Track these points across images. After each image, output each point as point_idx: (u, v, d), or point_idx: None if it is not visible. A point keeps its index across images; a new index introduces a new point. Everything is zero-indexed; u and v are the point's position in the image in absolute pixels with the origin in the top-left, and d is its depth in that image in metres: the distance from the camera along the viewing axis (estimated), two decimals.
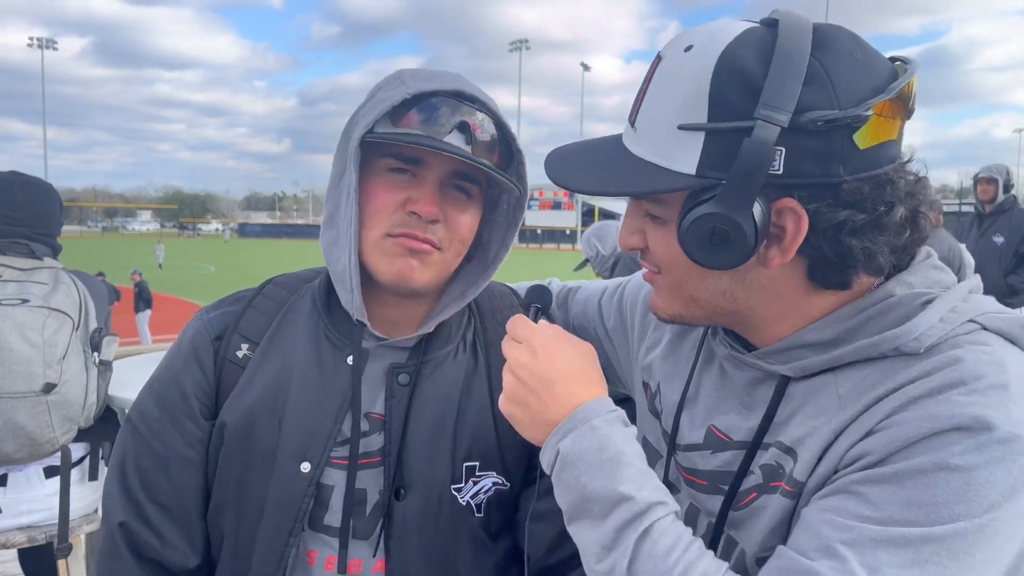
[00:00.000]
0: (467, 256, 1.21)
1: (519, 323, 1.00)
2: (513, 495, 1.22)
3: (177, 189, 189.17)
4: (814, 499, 0.83)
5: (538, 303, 1.11)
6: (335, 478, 1.15)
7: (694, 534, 0.95)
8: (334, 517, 1.15)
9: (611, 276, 4.09)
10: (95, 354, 2.52)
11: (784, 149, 0.77)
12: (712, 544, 0.93)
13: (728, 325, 0.97)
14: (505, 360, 0.97)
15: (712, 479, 0.96)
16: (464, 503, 1.17)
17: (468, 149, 1.08)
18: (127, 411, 1.24)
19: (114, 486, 1.18)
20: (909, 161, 0.85)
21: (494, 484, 1.19)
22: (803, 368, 0.88)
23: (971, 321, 0.84)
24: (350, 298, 1.15)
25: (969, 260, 5.43)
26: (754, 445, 0.91)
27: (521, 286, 1.47)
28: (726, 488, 0.93)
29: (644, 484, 0.86)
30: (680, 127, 0.82)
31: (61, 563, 2.50)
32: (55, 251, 2.65)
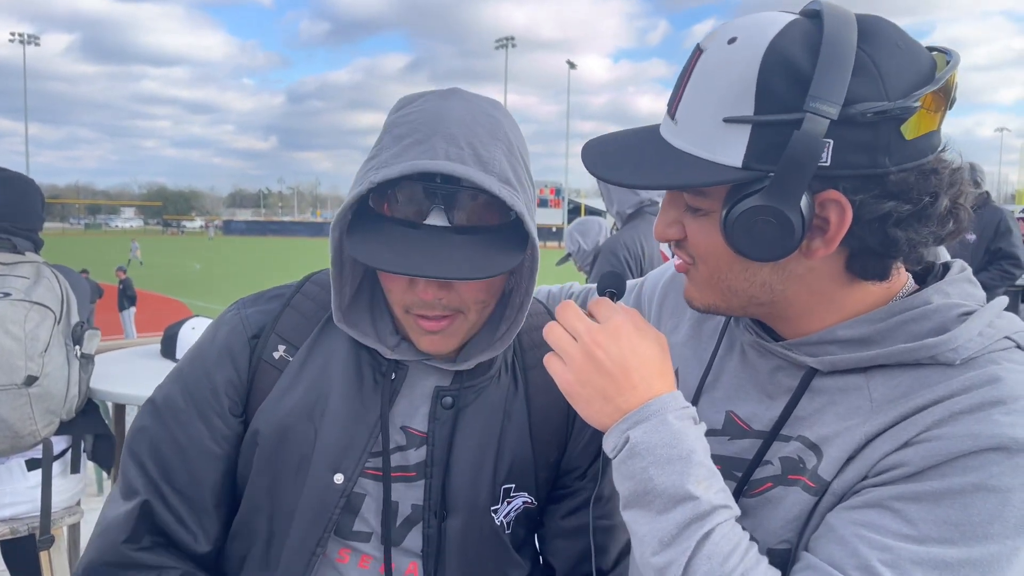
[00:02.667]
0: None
1: (602, 304, 0.97)
2: (538, 511, 1.26)
3: (161, 186, 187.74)
4: (844, 507, 0.83)
5: (612, 288, 1.05)
6: (367, 487, 1.16)
7: None
8: (363, 524, 1.16)
9: (591, 271, 4.13)
10: (77, 348, 2.54)
11: (832, 141, 0.78)
12: None
13: (760, 316, 0.97)
14: (579, 336, 0.93)
15: (727, 465, 0.96)
16: (499, 523, 1.20)
17: (448, 224, 1.03)
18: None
19: (132, 465, 1.16)
20: (944, 150, 0.85)
21: (524, 503, 1.22)
22: (833, 363, 0.89)
23: (1007, 338, 0.85)
24: (370, 342, 1.16)
25: (945, 255, 5.51)
26: (772, 434, 0.92)
27: (540, 291, 1.49)
28: (739, 475, 0.94)
29: (711, 485, 0.85)
30: (726, 119, 0.81)
31: (43, 555, 2.51)
32: (37, 246, 2.67)
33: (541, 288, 1.52)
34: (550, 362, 0.94)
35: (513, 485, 1.20)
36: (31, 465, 2.49)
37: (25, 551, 2.68)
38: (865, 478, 0.83)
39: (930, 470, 0.78)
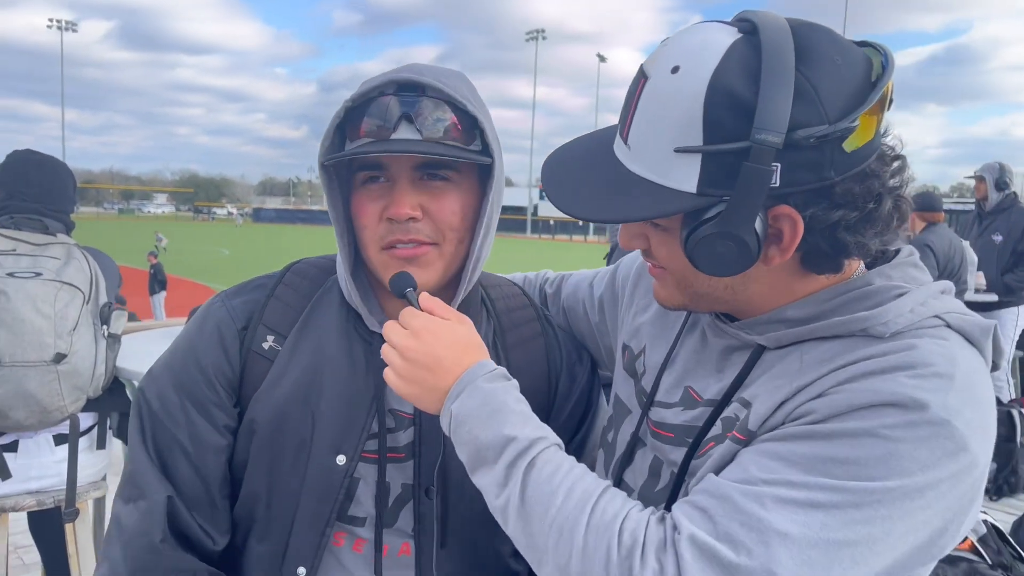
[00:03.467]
0: None
1: (404, 314, 1.05)
2: None
3: (193, 173, 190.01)
4: (755, 442, 0.90)
5: (409, 286, 1.11)
6: (361, 471, 1.18)
7: (657, 484, 1.04)
8: (359, 508, 1.19)
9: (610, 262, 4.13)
10: (104, 327, 2.61)
11: (779, 164, 0.82)
12: (673, 492, 1.00)
13: (724, 310, 1.03)
14: (394, 346, 1.03)
15: (678, 432, 1.03)
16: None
17: (418, 137, 1.08)
18: (137, 384, 1.23)
19: (146, 464, 1.16)
20: (886, 136, 0.89)
21: None
22: (778, 339, 0.95)
23: (937, 316, 0.90)
24: (363, 313, 1.20)
25: (972, 257, 5.44)
26: (721, 402, 0.98)
27: (516, 277, 1.54)
28: (690, 440, 1.00)
29: (525, 424, 0.96)
30: (677, 149, 0.86)
31: (68, 527, 2.58)
32: (68, 228, 2.73)
33: (517, 275, 1.56)
34: (387, 376, 1.03)
35: None
36: (58, 440, 2.56)
37: (51, 523, 2.76)
38: (783, 425, 0.89)
39: (832, 418, 0.84)
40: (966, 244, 5.45)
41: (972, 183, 5.98)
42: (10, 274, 2.41)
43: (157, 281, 14.82)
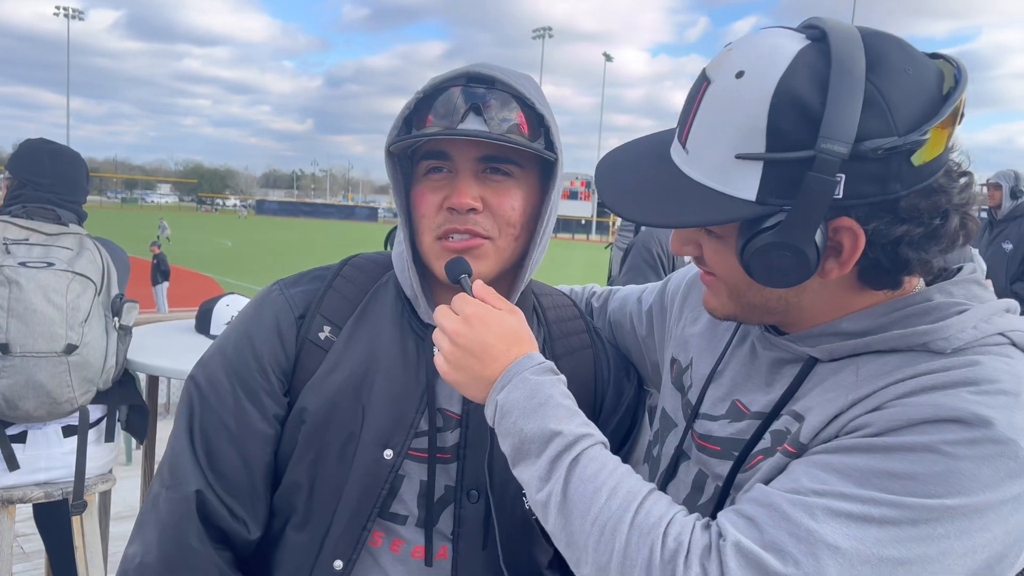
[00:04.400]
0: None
1: (456, 299, 1.05)
2: None
3: (197, 164, 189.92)
4: (806, 453, 0.88)
5: (463, 273, 1.11)
6: (407, 469, 1.17)
7: (700, 498, 1.03)
8: (401, 506, 1.17)
9: (622, 261, 4.09)
10: (115, 319, 2.59)
11: (844, 175, 0.79)
12: (718, 506, 0.98)
13: (774, 322, 1.01)
14: (444, 330, 1.03)
15: (725, 445, 1.01)
16: (527, 507, 1.19)
17: (485, 129, 1.08)
18: (190, 372, 1.18)
19: (185, 451, 1.15)
20: (953, 151, 0.86)
21: None
22: (831, 351, 0.92)
23: (1002, 335, 0.87)
24: (417, 302, 1.19)
25: (981, 264, 5.42)
26: (771, 415, 0.96)
27: (563, 289, 1.51)
28: (736, 454, 0.98)
29: (572, 419, 0.95)
30: (738, 156, 0.83)
31: (75, 520, 2.58)
32: (80, 218, 2.72)
33: (564, 287, 1.55)
34: (436, 361, 1.04)
35: None
36: (67, 432, 2.55)
37: (57, 516, 2.75)
38: (836, 437, 0.86)
39: (890, 431, 0.81)
40: (975, 252, 5.42)
41: (977, 191, 5.93)
42: (22, 263, 2.40)
43: (160, 271, 14.83)
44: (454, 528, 1.18)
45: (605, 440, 0.96)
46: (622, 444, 1.33)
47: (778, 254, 0.84)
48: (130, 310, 2.63)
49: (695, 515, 0.87)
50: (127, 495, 4.03)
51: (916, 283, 0.94)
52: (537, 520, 1.21)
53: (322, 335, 1.19)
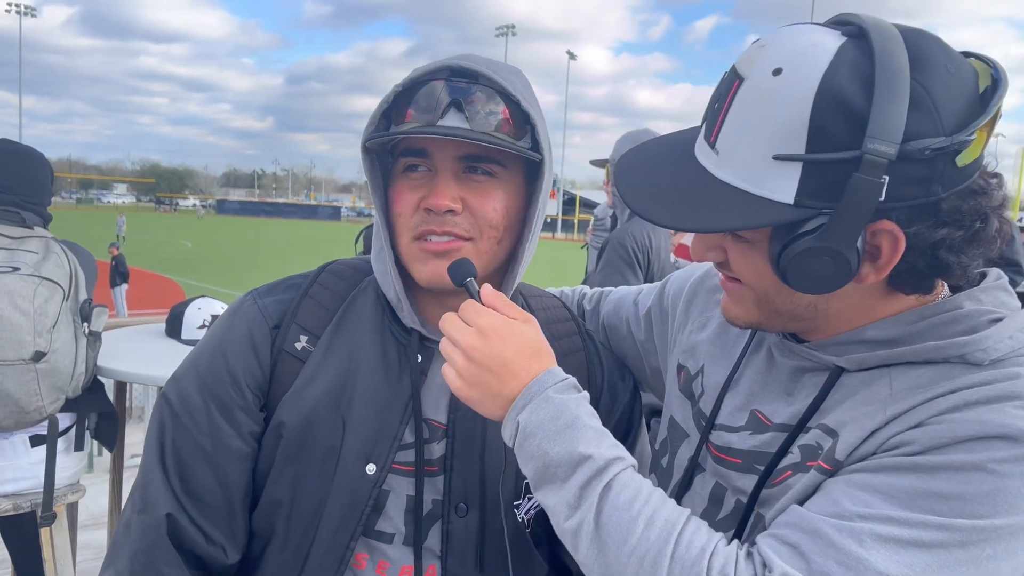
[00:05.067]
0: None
1: (467, 308, 0.99)
2: None
3: (155, 163, 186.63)
4: (843, 472, 0.85)
5: (469, 275, 1.05)
6: (392, 483, 1.12)
7: (719, 512, 0.99)
8: (387, 523, 1.12)
9: (598, 259, 4.09)
10: (84, 325, 2.51)
11: (888, 177, 0.76)
12: (742, 520, 0.96)
13: (797, 330, 0.98)
14: (456, 343, 0.97)
15: (747, 459, 0.98)
16: (521, 519, 1.16)
17: (466, 126, 1.02)
18: (148, 409, 1.16)
19: (155, 473, 1.10)
20: (983, 161, 0.84)
21: None
22: (861, 361, 0.90)
23: None
24: (399, 306, 1.13)
25: None
26: (797, 427, 0.92)
27: (552, 291, 1.47)
28: (761, 468, 0.95)
29: (601, 442, 0.90)
30: (776, 156, 0.80)
31: (44, 532, 2.50)
32: (45, 220, 2.63)
33: (553, 289, 1.51)
34: (445, 372, 0.98)
35: None
36: (35, 441, 2.46)
37: (23, 527, 2.66)
38: (874, 454, 0.84)
39: (934, 449, 0.79)
40: None
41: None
42: None
43: (119, 273, 14.54)
44: (442, 544, 1.13)
45: (635, 462, 0.92)
46: None
47: (818, 259, 0.81)
48: (99, 315, 2.55)
49: (735, 544, 0.85)
50: (90, 503, 3.92)
51: (942, 289, 0.92)
52: (530, 534, 1.18)
53: (298, 345, 1.13)
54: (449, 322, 0.99)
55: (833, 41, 0.81)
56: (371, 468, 1.10)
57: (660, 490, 0.89)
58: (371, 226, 1.23)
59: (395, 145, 1.10)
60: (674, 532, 0.84)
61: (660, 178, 0.92)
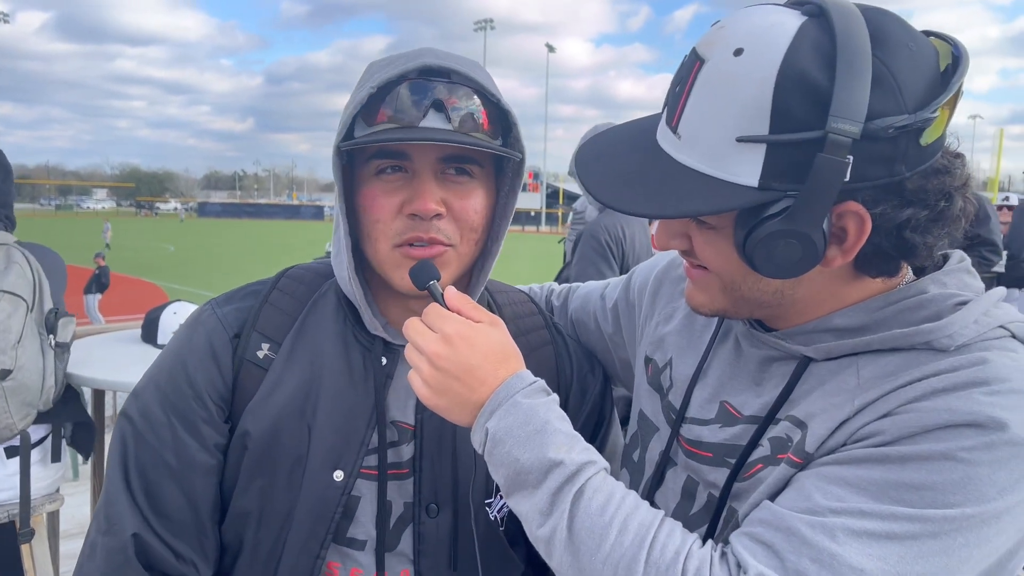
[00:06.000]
0: None
1: (431, 313, 0.97)
2: None
3: (135, 167, 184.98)
4: (813, 464, 0.84)
5: (432, 278, 1.03)
6: (362, 489, 1.10)
7: (692, 507, 0.99)
8: (359, 530, 1.10)
9: (572, 250, 4.07)
10: (51, 336, 2.45)
11: (852, 157, 0.75)
12: (715, 515, 0.95)
13: (763, 317, 0.97)
14: (421, 351, 0.95)
15: (718, 452, 0.97)
16: (493, 518, 1.15)
17: (448, 127, 1.01)
18: (122, 407, 1.09)
19: (120, 493, 1.07)
20: (945, 140, 0.83)
21: None
22: (828, 350, 0.89)
23: (1002, 327, 0.85)
24: (363, 312, 1.11)
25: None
26: (767, 419, 0.92)
27: (523, 288, 1.45)
28: (732, 461, 0.94)
29: (572, 447, 0.89)
30: (739, 139, 0.78)
31: (24, 547, 2.47)
32: (7, 226, 2.52)
33: (522, 287, 1.49)
34: (411, 380, 0.96)
35: None
36: (10, 453, 2.43)
37: (3, 539, 2.63)
38: (844, 446, 0.83)
39: (903, 439, 0.79)
40: None
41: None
42: None
43: (98, 283, 14.29)
44: (414, 546, 1.11)
45: (607, 465, 0.91)
46: (591, 441, 1.27)
47: (784, 243, 0.79)
48: (66, 325, 2.48)
49: (709, 544, 0.84)
50: (75, 511, 3.89)
51: (906, 272, 0.91)
52: (504, 532, 1.17)
53: (260, 353, 1.11)
54: (413, 329, 0.97)
55: (793, 20, 0.79)
56: (339, 475, 1.08)
57: (633, 493, 0.88)
58: None
59: (367, 147, 1.06)
60: (648, 536, 0.83)
61: (621, 164, 0.90)
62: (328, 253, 1.25)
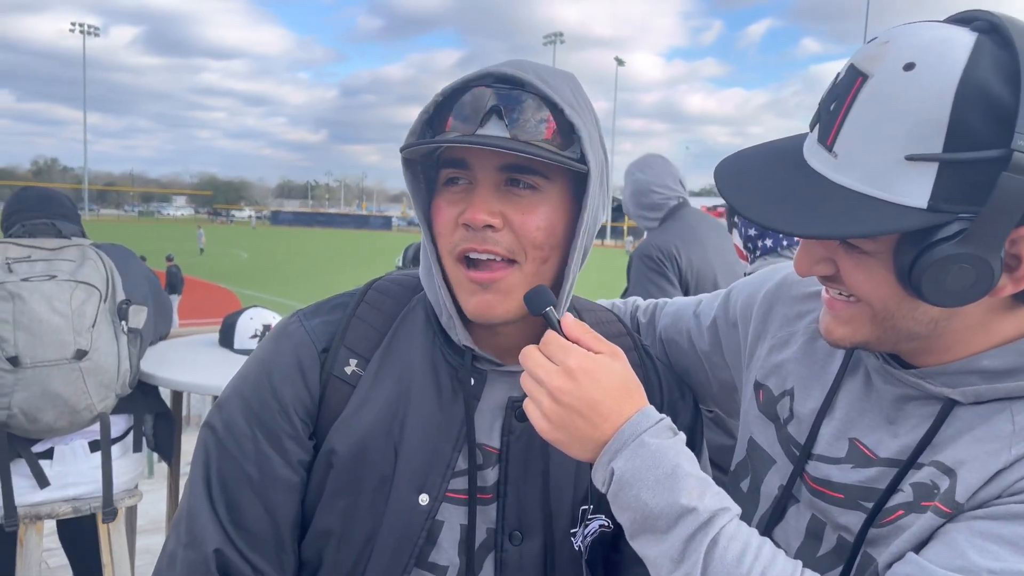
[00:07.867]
0: None
1: (551, 342, 0.93)
2: (612, 535, 1.13)
3: (212, 176, 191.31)
4: (964, 517, 0.79)
5: (548, 304, 0.98)
6: (445, 513, 1.06)
7: (819, 548, 0.93)
8: (441, 555, 1.06)
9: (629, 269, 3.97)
10: (123, 323, 2.58)
11: None
12: (849, 561, 0.90)
13: (908, 351, 0.90)
14: (541, 383, 0.91)
15: (850, 494, 0.91)
16: (577, 547, 1.10)
17: (507, 136, 0.95)
18: (204, 417, 1.11)
19: (202, 506, 1.04)
20: None
21: (600, 526, 1.10)
22: (977, 395, 0.83)
23: None
24: (451, 326, 1.07)
25: None
26: (908, 463, 0.86)
27: (604, 303, 1.39)
28: (868, 505, 0.89)
29: (704, 493, 0.85)
30: (909, 157, 0.73)
31: (103, 533, 2.55)
32: (83, 233, 2.75)
33: (604, 301, 1.43)
34: (529, 412, 0.92)
35: (591, 506, 1.09)
36: (93, 447, 2.53)
37: (84, 533, 2.72)
38: (999, 498, 0.78)
39: None
40: None
41: None
42: (25, 279, 2.39)
43: (170, 284, 14.81)
44: (496, 574, 1.07)
45: (739, 510, 0.86)
46: None
47: (958, 268, 0.74)
48: (137, 312, 2.61)
49: None
50: (150, 508, 4.02)
51: None
52: (587, 563, 1.11)
53: (348, 369, 1.07)
54: (532, 360, 0.92)
55: (966, 36, 0.75)
56: (424, 498, 1.04)
57: (768, 541, 0.84)
58: (416, 243, 1.19)
59: (439, 156, 1.04)
60: None
61: (769, 183, 0.85)
62: (398, 267, 1.25)
